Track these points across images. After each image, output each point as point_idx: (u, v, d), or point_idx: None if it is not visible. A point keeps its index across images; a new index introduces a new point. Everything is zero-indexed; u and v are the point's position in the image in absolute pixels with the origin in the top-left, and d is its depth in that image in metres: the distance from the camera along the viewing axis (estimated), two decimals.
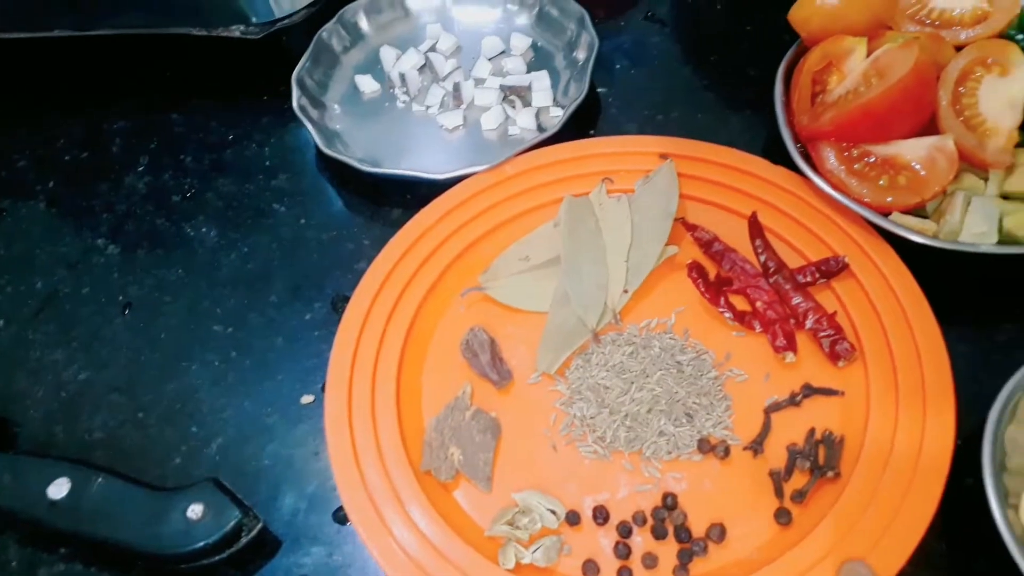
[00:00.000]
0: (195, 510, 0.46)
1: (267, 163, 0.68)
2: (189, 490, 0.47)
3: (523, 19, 0.74)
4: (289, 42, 0.73)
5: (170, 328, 0.59)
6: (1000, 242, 0.51)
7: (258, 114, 0.71)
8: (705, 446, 0.48)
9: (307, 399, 0.55)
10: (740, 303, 0.54)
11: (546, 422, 0.51)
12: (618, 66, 0.70)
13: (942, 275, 0.52)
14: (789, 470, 0.47)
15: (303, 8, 0.72)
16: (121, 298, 0.61)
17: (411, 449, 0.50)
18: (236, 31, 0.72)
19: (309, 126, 0.65)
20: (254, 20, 0.71)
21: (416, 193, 0.61)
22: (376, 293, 0.56)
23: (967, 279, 0.53)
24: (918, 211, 0.54)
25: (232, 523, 0.45)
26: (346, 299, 0.56)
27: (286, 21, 0.72)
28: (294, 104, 0.67)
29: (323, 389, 0.52)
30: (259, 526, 0.47)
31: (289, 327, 0.58)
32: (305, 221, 0.64)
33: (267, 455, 0.53)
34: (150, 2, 0.71)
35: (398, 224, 0.59)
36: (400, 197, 0.63)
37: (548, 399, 0.52)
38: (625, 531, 0.46)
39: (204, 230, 0.65)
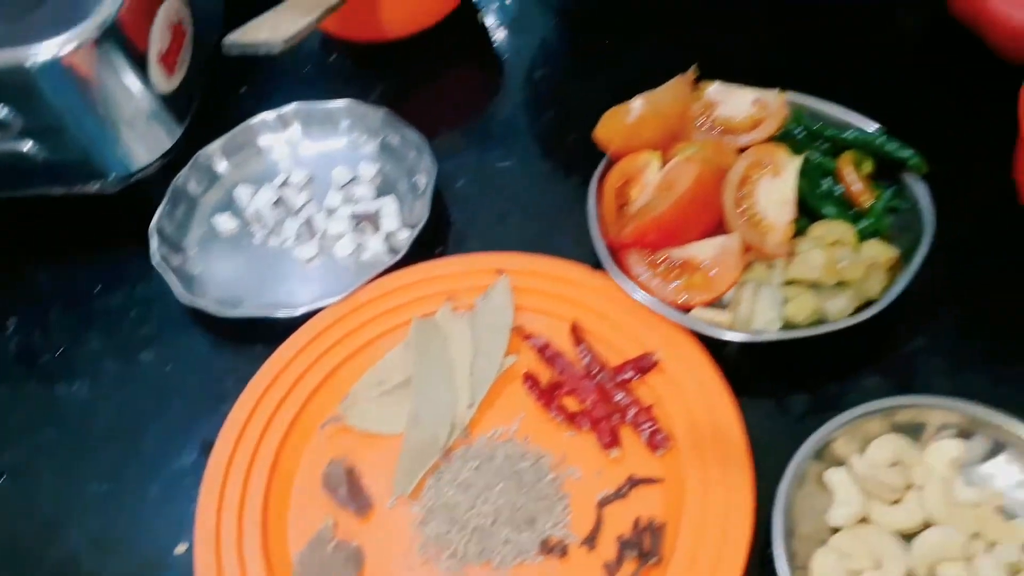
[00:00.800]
0: None
1: (132, 313, 0.72)
2: None
3: (369, 147, 0.79)
4: (148, 190, 0.77)
5: (46, 492, 0.62)
6: (783, 327, 0.57)
7: (122, 265, 0.75)
8: (545, 548, 0.53)
9: (181, 548, 0.58)
10: (572, 404, 0.60)
11: (405, 544, 0.55)
12: (459, 184, 0.76)
13: (742, 358, 0.59)
14: (619, 561, 0.52)
15: (157, 159, 0.77)
16: None
17: None
18: (93, 187, 0.76)
19: (168, 275, 0.69)
20: (111, 176, 0.75)
21: (277, 327, 0.66)
22: (239, 435, 0.60)
23: (762, 360, 0.60)
24: (718, 303, 0.61)
25: None
26: (213, 443, 0.60)
27: (140, 174, 0.76)
28: (152, 255, 0.70)
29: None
30: None
31: (163, 477, 0.62)
32: (172, 368, 0.68)
33: None
34: (5, 166, 0.74)
35: (261, 360, 0.64)
36: (263, 334, 0.67)
37: (406, 521, 0.56)
38: None
39: (75, 387, 0.68)
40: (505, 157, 0.78)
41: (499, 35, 0.89)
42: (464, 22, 0.89)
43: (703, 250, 0.60)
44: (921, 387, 0.57)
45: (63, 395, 0.67)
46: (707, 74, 0.68)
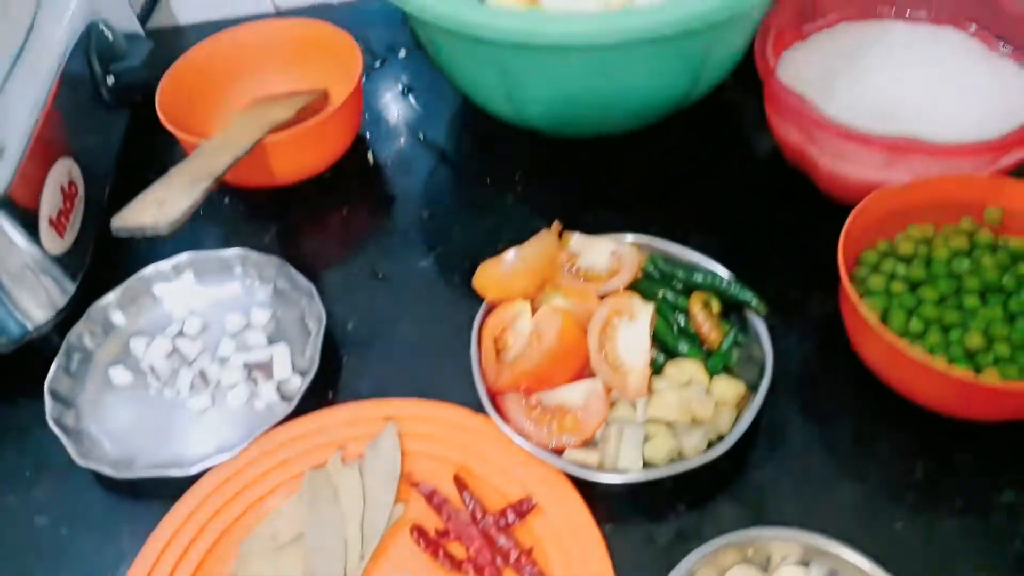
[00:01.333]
0: None
1: (27, 473, 0.73)
2: None
3: (262, 294, 0.83)
4: (42, 348, 0.78)
5: None
6: (644, 466, 0.63)
7: (16, 425, 0.75)
8: None
9: None
10: (460, 550, 0.64)
11: None
12: (350, 326, 0.81)
13: (612, 495, 0.64)
14: None
15: (52, 316, 0.78)
16: None
17: None
18: None
19: (62, 436, 0.71)
20: (3, 338, 0.76)
21: (171, 484, 0.68)
22: None
23: (633, 495, 0.66)
24: (590, 443, 0.66)
25: None
26: None
27: (34, 334, 0.77)
28: (47, 416, 0.72)
29: None
30: None
31: None
32: (67, 531, 0.69)
33: None
34: None
35: (159, 516, 0.65)
36: (157, 490, 0.69)
37: None
38: None
39: None
40: (393, 299, 0.83)
41: (388, 176, 0.94)
42: (355, 164, 0.95)
43: (572, 394, 0.66)
44: (773, 513, 0.64)
45: None
46: (577, 220, 0.75)
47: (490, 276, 0.72)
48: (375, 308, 0.82)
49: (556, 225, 0.74)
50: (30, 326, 0.77)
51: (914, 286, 0.69)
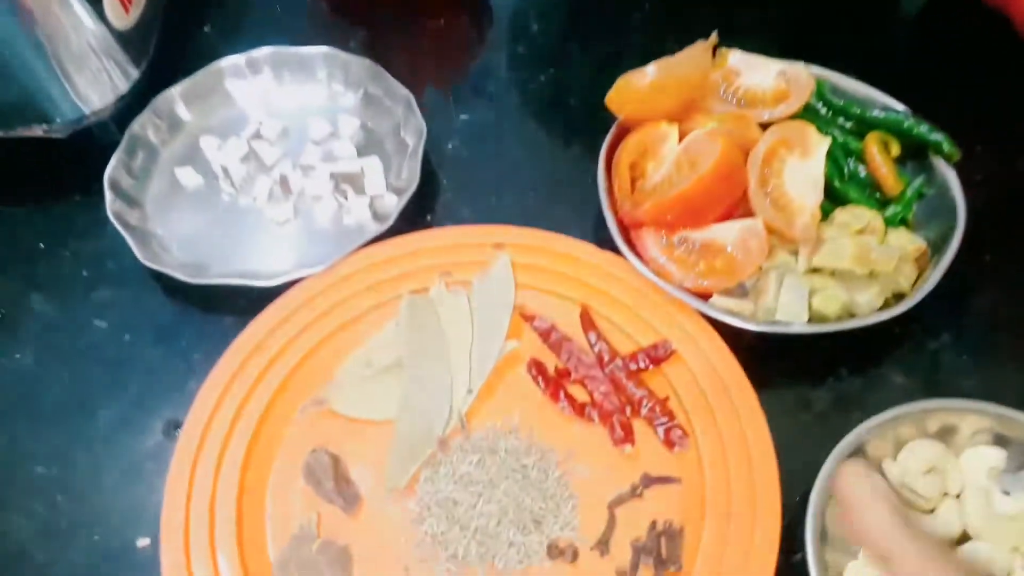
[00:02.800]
0: None
1: (84, 273, 0.64)
2: None
3: (349, 100, 0.73)
4: (102, 138, 0.68)
5: None
6: (810, 320, 0.54)
7: (72, 219, 0.67)
8: (554, 551, 0.49)
9: (143, 542, 0.52)
10: (580, 393, 0.55)
11: (399, 544, 0.50)
12: (450, 146, 0.70)
13: (763, 350, 0.55)
14: (634, 568, 0.49)
15: (112, 103, 0.68)
16: None
17: None
18: (38, 130, 0.67)
19: (125, 233, 0.62)
20: (58, 119, 0.67)
21: (249, 297, 0.59)
22: (210, 416, 0.54)
23: (785, 354, 0.56)
24: (738, 291, 0.56)
25: None
26: (179, 425, 0.54)
27: (93, 118, 0.68)
28: (107, 209, 0.63)
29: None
30: None
31: (120, 462, 0.55)
32: (131, 338, 0.61)
33: None
34: None
35: (233, 333, 0.57)
36: (233, 303, 0.60)
37: (400, 518, 0.51)
38: None
39: (18, 357, 0.60)
40: (499, 119, 0.72)
41: None
42: None
43: (725, 233, 0.56)
44: (948, 389, 0.55)
45: (4, 366, 0.60)
46: (724, 43, 0.63)
47: (630, 90, 0.60)
48: (479, 129, 0.71)
49: (712, 38, 0.62)
50: (87, 110, 0.67)
51: None
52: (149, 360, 0.59)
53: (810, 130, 0.58)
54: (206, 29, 0.80)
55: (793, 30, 0.74)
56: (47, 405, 0.58)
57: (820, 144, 0.57)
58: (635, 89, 0.60)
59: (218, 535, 0.50)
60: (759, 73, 0.62)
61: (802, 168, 0.57)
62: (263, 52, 0.73)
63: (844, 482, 0.41)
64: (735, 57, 0.62)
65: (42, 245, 0.66)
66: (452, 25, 0.80)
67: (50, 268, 0.64)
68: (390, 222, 0.62)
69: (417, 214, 0.65)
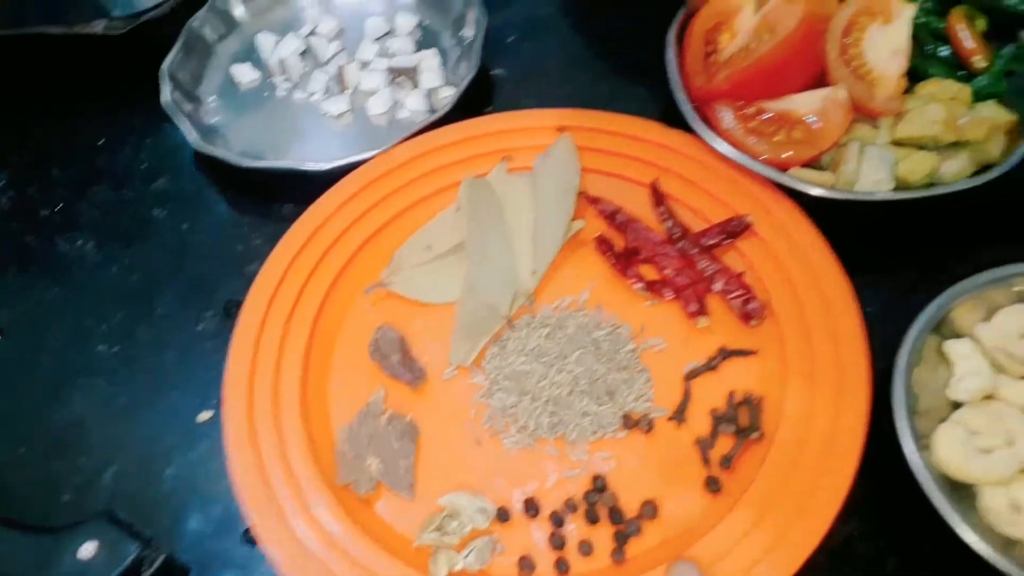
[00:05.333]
0: (87, 549, 0.42)
1: (143, 166, 0.64)
2: (79, 528, 0.43)
3: None
4: (158, 35, 0.68)
5: (50, 352, 0.55)
6: (895, 188, 0.51)
7: (129, 114, 0.66)
8: (629, 422, 0.47)
9: (205, 416, 0.51)
10: (649, 272, 0.53)
11: (467, 418, 0.49)
12: (510, 39, 0.68)
13: (844, 224, 0.52)
14: (713, 436, 0.46)
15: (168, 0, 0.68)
16: None
17: (323, 462, 0.47)
18: (98, 27, 0.67)
19: (182, 122, 0.61)
20: (116, 14, 0.66)
21: (306, 187, 0.58)
22: (272, 296, 0.52)
23: (868, 227, 0.53)
24: (815, 163, 0.54)
25: (130, 558, 0.42)
26: (239, 305, 0.53)
27: (153, 13, 0.67)
28: (164, 98, 0.62)
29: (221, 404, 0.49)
30: (162, 558, 0.43)
31: (180, 340, 0.55)
32: (189, 225, 0.60)
33: (167, 480, 0.49)
34: None
35: (290, 220, 0.56)
36: (289, 192, 0.59)
37: (466, 393, 0.50)
38: (558, 521, 0.45)
39: (80, 243, 0.60)
40: (558, 9, 0.70)
41: None
42: None
43: (805, 102, 0.53)
44: None
45: (66, 252, 0.60)
46: None
47: None
48: (539, 21, 0.69)
49: None
50: (143, 4, 0.67)
51: None
52: (208, 245, 0.59)
53: None
54: None
55: None
56: (107, 288, 0.57)
57: (905, 10, 0.54)
58: None
59: (282, 405, 0.49)
60: None
61: (885, 36, 0.54)
62: None
63: None
64: None
65: (102, 140, 0.65)
66: None
67: (109, 160, 0.64)
68: (444, 111, 0.60)
69: (476, 105, 0.63)
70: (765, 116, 0.54)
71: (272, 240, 0.55)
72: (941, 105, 0.51)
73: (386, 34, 0.69)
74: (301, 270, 0.53)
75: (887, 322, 0.48)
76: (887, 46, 0.54)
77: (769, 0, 0.56)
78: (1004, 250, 0.52)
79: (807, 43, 0.53)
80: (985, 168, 0.52)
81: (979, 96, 0.54)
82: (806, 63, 0.54)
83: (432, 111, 0.63)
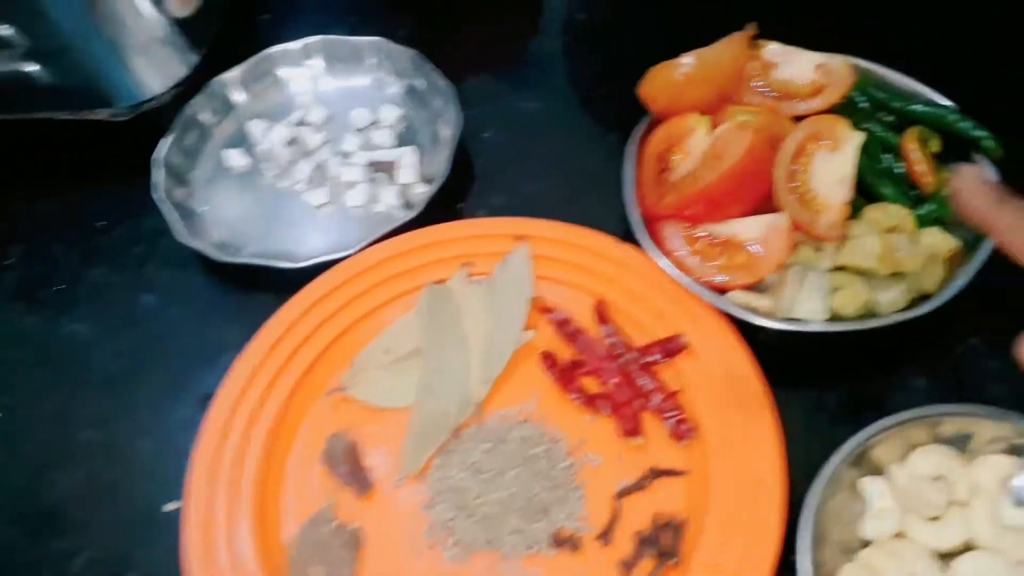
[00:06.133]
0: None
1: (136, 249, 0.68)
2: None
3: (394, 90, 0.74)
4: (159, 120, 0.72)
5: (39, 435, 0.59)
6: (830, 319, 0.53)
7: (127, 197, 0.70)
8: (558, 540, 0.50)
9: (170, 506, 0.55)
10: (593, 384, 0.56)
11: (410, 528, 0.52)
12: (486, 134, 0.71)
13: (781, 347, 0.54)
14: (636, 558, 0.49)
15: (171, 88, 0.72)
16: None
17: (273, 564, 0.50)
18: (102, 114, 0.71)
19: (169, 211, 0.65)
20: (120, 103, 0.71)
21: (282, 278, 0.62)
22: (239, 395, 0.56)
23: (804, 351, 0.55)
24: (759, 284, 0.56)
25: None
26: (211, 398, 0.57)
27: (152, 103, 0.71)
28: (154, 187, 0.66)
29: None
30: None
31: (158, 429, 0.59)
32: (175, 312, 0.64)
33: (135, 567, 0.53)
34: (9, 87, 0.70)
35: (267, 311, 0.60)
36: (269, 282, 0.63)
37: (413, 502, 0.53)
38: None
39: (75, 327, 0.65)
40: (538, 108, 0.73)
41: None
42: None
43: (748, 228, 0.55)
44: (972, 393, 0.53)
45: (63, 333, 0.64)
46: (764, 35, 0.62)
47: (663, 81, 0.60)
48: (518, 118, 0.72)
49: (750, 28, 0.61)
50: (146, 94, 0.71)
51: None
52: (189, 334, 0.63)
53: (842, 125, 0.56)
54: (263, 17, 0.83)
55: (838, 20, 0.72)
56: (96, 372, 0.62)
57: (851, 139, 0.56)
58: (668, 80, 0.60)
59: (239, 505, 0.52)
60: (796, 65, 0.60)
61: (831, 164, 0.56)
62: (316, 40, 0.75)
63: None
64: (772, 48, 0.61)
65: (102, 223, 0.70)
66: (501, 13, 0.80)
67: (108, 244, 0.69)
68: (417, 211, 0.63)
69: (448, 203, 0.67)
70: (710, 239, 0.56)
71: (248, 331, 0.59)
72: (878, 237, 0.53)
73: (370, 125, 0.72)
74: (268, 370, 0.57)
75: (811, 449, 0.49)
76: (834, 173, 0.56)
77: (724, 119, 0.59)
78: (937, 383, 0.54)
79: (753, 170, 0.55)
80: (924, 297, 0.53)
81: (923, 222, 0.56)
82: (753, 189, 0.56)
83: (407, 205, 0.67)
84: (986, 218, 0.37)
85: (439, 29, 0.80)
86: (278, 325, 0.59)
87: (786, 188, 0.56)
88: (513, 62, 0.76)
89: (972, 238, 0.54)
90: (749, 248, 0.55)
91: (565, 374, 0.55)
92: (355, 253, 0.61)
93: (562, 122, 0.71)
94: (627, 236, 0.59)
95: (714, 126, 0.59)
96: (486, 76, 0.75)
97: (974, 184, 0.38)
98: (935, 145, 0.58)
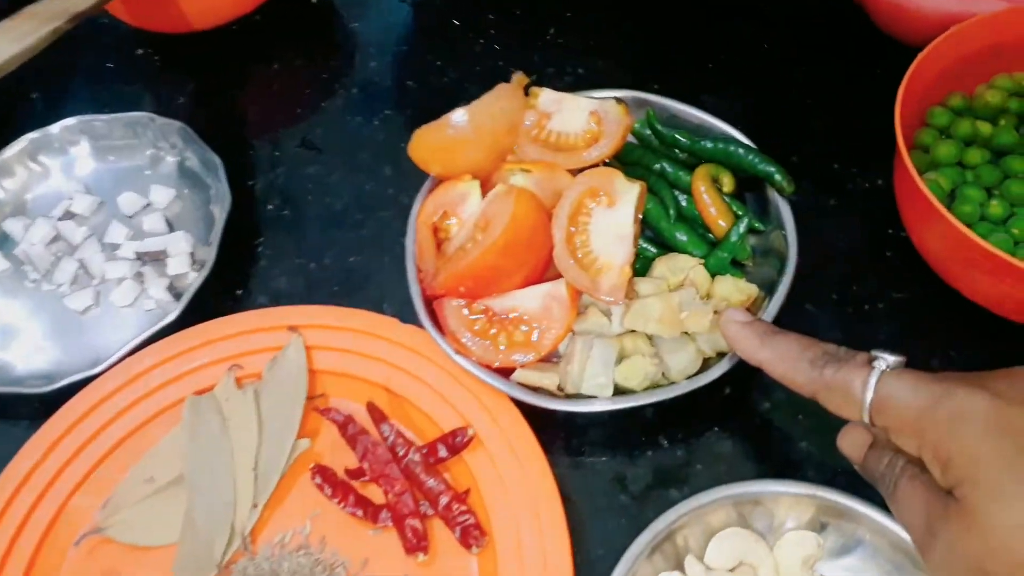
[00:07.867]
0: None
1: None
2: None
3: (167, 167, 0.67)
4: None
5: None
6: (617, 393, 0.48)
7: None
8: None
9: None
10: (378, 493, 0.50)
11: None
12: (270, 207, 0.65)
13: (574, 423, 0.50)
14: None
15: None
16: None
17: None
18: None
19: None
20: None
21: (37, 404, 0.54)
22: None
23: (600, 424, 0.51)
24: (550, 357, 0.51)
25: None
26: None
27: None
28: None
29: None
30: None
31: None
32: None
33: None
34: None
35: (23, 439, 0.52)
36: (22, 407, 0.56)
37: None
38: None
39: None
40: (326, 174, 0.67)
41: (326, 17, 0.77)
42: (291, 2, 0.77)
43: (526, 300, 0.50)
44: (781, 459, 0.50)
45: None
46: (561, 73, 0.57)
47: (430, 144, 0.55)
48: (303, 186, 0.66)
49: (519, 77, 0.56)
50: None
51: (998, 155, 0.51)
52: None
53: (618, 177, 0.52)
54: (33, 96, 0.76)
55: (630, 53, 0.68)
56: None
57: (628, 192, 0.51)
58: (435, 141, 0.55)
59: None
60: (569, 114, 0.56)
61: (609, 220, 0.51)
62: (73, 122, 0.68)
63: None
64: (544, 96, 0.56)
65: None
66: (286, 67, 0.74)
67: None
68: (184, 304, 0.56)
69: (227, 290, 0.60)
70: (488, 316, 0.51)
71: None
72: (659, 300, 0.49)
73: (142, 209, 0.65)
74: (10, 520, 0.50)
75: (616, 535, 0.45)
76: (612, 231, 0.51)
77: (499, 180, 0.54)
78: (742, 447, 0.50)
79: (523, 239, 0.50)
80: (721, 355, 0.49)
81: (716, 268, 0.52)
82: (527, 258, 0.51)
83: (179, 297, 0.60)
84: (753, 357, 0.42)
85: (218, 92, 0.73)
86: (23, 462, 0.52)
87: (565, 251, 0.51)
88: (300, 121, 0.70)
89: (774, 273, 0.51)
90: (527, 322, 0.50)
91: (341, 487, 0.50)
92: (107, 369, 0.54)
93: (352, 189, 0.65)
94: (412, 318, 0.54)
95: (487, 188, 0.53)
96: (271, 141, 0.69)
97: (738, 326, 0.43)
98: (728, 184, 0.54)
